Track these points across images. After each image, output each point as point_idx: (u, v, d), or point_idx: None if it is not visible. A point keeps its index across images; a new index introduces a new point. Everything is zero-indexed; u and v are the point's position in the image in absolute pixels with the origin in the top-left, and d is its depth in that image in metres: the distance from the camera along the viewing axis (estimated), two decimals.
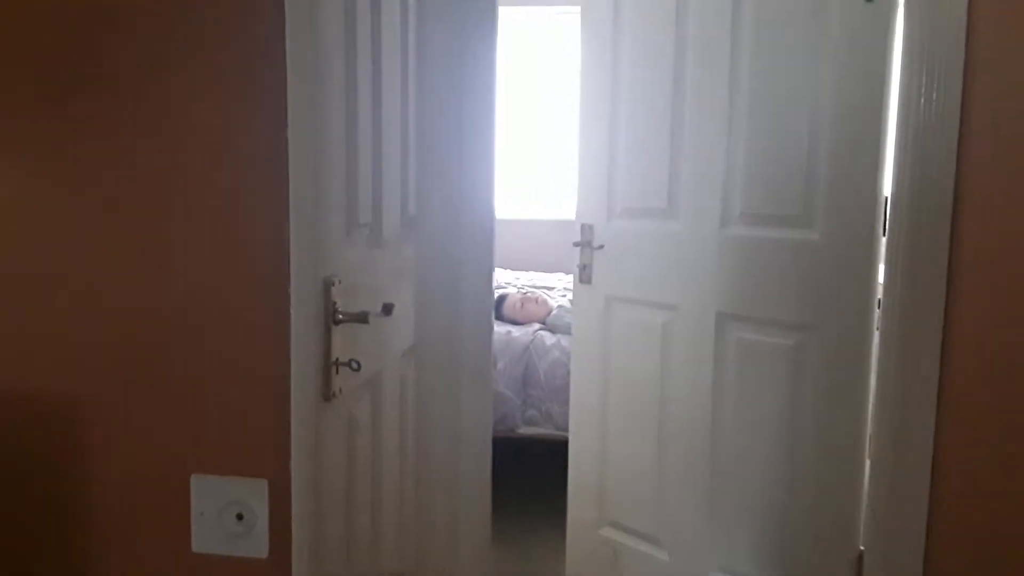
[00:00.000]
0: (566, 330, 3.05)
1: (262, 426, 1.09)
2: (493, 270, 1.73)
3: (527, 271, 4.64)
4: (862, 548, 1.86)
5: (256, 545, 1.11)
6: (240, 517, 1.10)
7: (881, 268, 1.78)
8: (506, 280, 4.18)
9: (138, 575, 1.14)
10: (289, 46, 1.03)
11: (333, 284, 1.16)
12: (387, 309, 1.35)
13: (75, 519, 1.15)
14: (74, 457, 1.13)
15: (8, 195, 1.11)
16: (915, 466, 1.62)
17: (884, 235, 1.76)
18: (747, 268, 2.09)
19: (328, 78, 1.15)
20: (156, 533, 1.13)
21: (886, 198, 1.74)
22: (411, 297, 1.62)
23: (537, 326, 3.27)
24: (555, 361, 3.00)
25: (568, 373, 2.68)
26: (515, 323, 3.31)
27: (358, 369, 1.20)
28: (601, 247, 2.41)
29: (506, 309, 3.39)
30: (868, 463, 1.83)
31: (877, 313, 1.81)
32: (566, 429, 2.65)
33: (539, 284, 4.13)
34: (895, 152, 1.65)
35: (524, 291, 3.63)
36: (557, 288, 4.00)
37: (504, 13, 2.28)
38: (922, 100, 1.57)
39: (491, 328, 1.74)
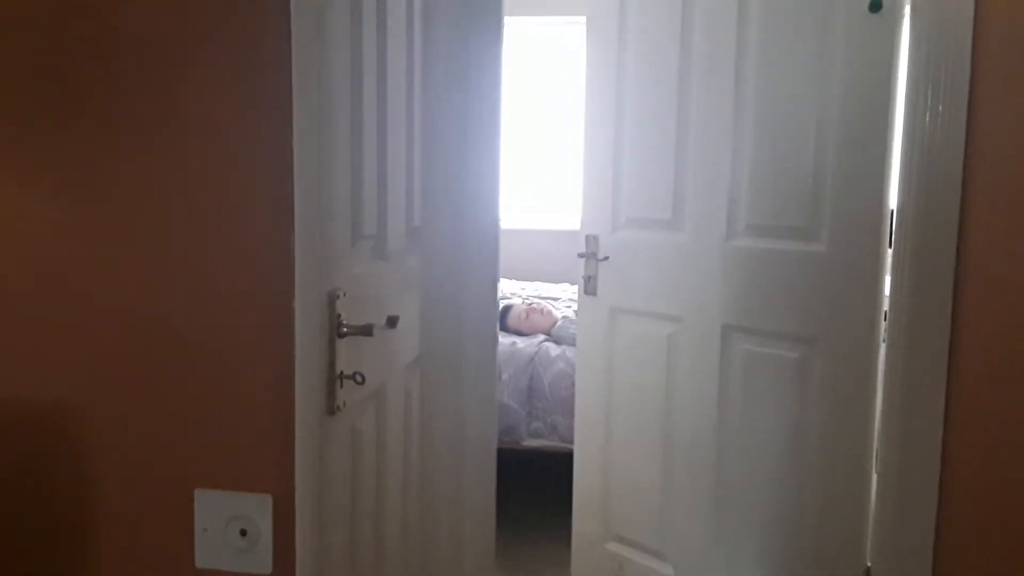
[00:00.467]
0: (571, 341, 3.04)
1: (266, 440, 1.09)
2: (498, 281, 1.72)
3: (532, 281, 4.63)
4: (869, 564, 1.84)
5: (260, 560, 1.10)
6: (244, 532, 1.09)
7: (887, 280, 1.78)
8: (511, 290, 4.17)
9: None
10: (295, 57, 1.03)
11: (338, 297, 1.16)
12: (392, 322, 1.35)
13: (78, 534, 1.14)
14: (77, 471, 1.13)
15: (8, 203, 1.11)
16: (922, 480, 1.61)
17: (890, 247, 1.75)
18: (753, 280, 2.09)
19: (333, 89, 1.15)
20: (159, 548, 1.13)
21: (892, 210, 1.73)
22: (416, 308, 1.62)
23: (542, 337, 3.26)
24: (560, 373, 2.99)
25: (573, 385, 2.67)
26: (520, 334, 3.30)
27: (362, 382, 1.19)
28: (606, 258, 2.40)
29: (511, 320, 3.38)
30: (875, 477, 1.82)
31: (883, 326, 1.80)
32: (571, 441, 2.64)
33: (544, 295, 4.12)
34: (901, 165, 1.65)
35: (529, 302, 3.62)
36: (562, 299, 3.99)
37: (510, 23, 2.28)
38: (928, 113, 1.57)
39: (496, 339, 1.73)
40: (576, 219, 2.52)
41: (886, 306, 1.77)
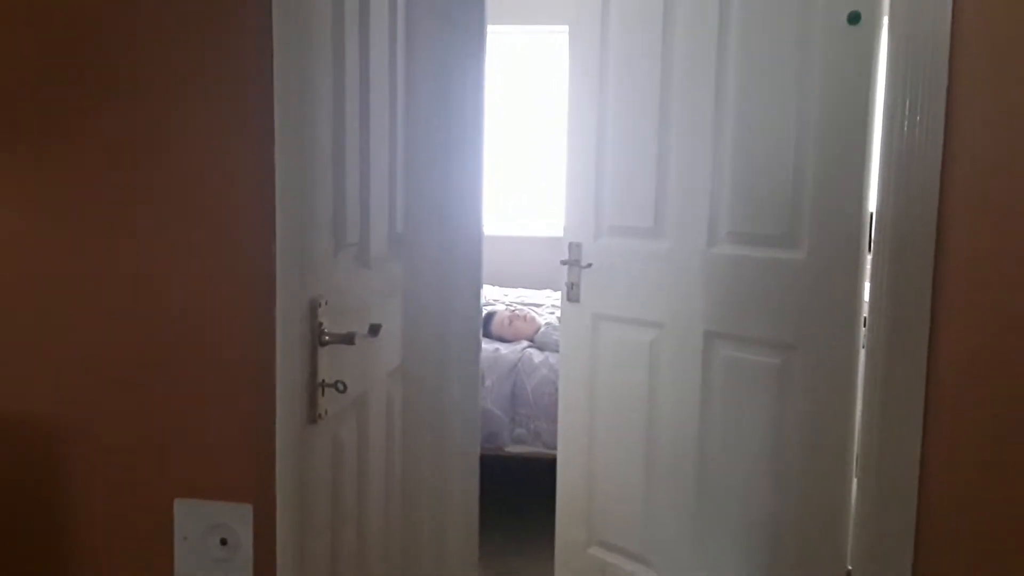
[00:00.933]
0: (554, 348, 3.05)
1: (247, 450, 1.08)
2: (481, 287, 1.72)
3: (515, 288, 4.64)
4: (850, 567, 1.85)
5: (240, 570, 1.09)
6: (224, 542, 1.09)
7: (866, 287, 1.79)
8: (494, 297, 4.17)
9: None
10: (276, 66, 1.03)
11: (320, 305, 1.15)
12: (374, 330, 1.35)
13: (56, 543, 1.13)
14: (56, 480, 1.12)
15: None
16: (902, 484, 1.63)
17: (869, 252, 1.77)
18: (734, 287, 2.10)
19: (316, 97, 1.15)
20: (139, 557, 1.12)
21: (871, 214, 1.75)
22: (398, 315, 1.62)
23: (525, 344, 3.27)
24: (543, 379, 2.99)
25: (556, 391, 2.67)
26: (503, 340, 3.31)
27: (344, 391, 1.19)
28: (589, 265, 2.41)
29: (494, 326, 3.38)
30: (855, 481, 1.83)
31: (863, 331, 1.82)
32: (554, 447, 2.64)
33: (527, 301, 4.13)
34: (880, 172, 1.67)
35: (512, 308, 3.62)
36: (545, 305, 4.00)
37: (493, 32, 2.29)
38: (905, 122, 1.59)
39: (479, 346, 1.73)
40: (559, 226, 2.53)
41: (866, 312, 1.79)
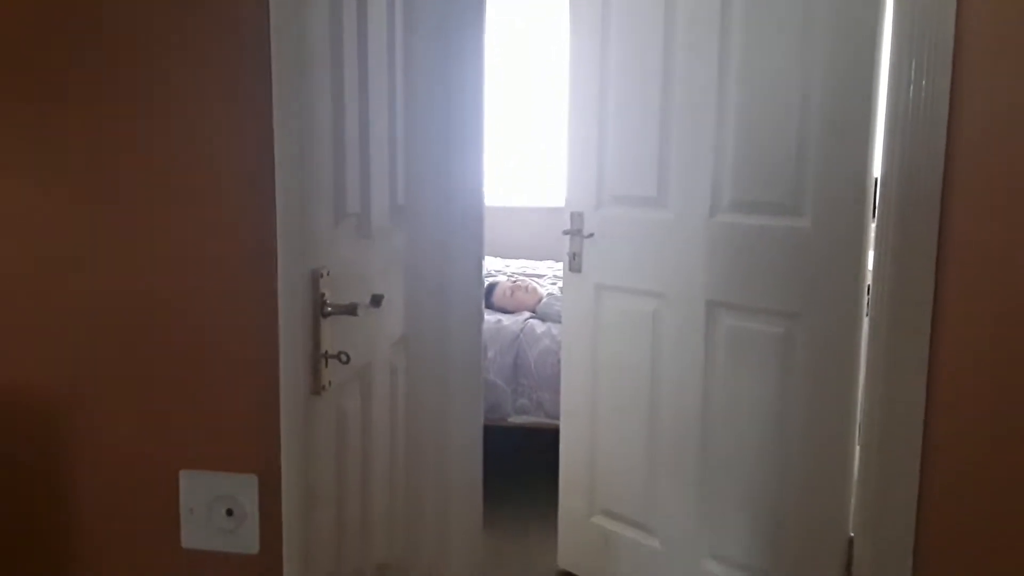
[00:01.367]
0: (556, 318, 3.05)
1: (251, 421, 1.08)
2: (483, 258, 1.72)
3: (517, 259, 4.63)
4: (852, 534, 1.87)
5: (246, 540, 1.10)
6: (230, 512, 1.09)
7: (870, 255, 1.78)
8: (496, 268, 4.17)
9: (128, 572, 1.13)
10: (274, 35, 1.01)
11: (321, 276, 1.15)
12: (376, 300, 1.34)
13: (63, 516, 1.13)
14: (60, 454, 1.12)
15: None
16: (905, 452, 1.63)
17: (873, 219, 1.75)
18: (737, 256, 2.09)
19: (315, 66, 1.14)
20: (145, 529, 1.12)
21: (876, 179, 1.74)
22: (400, 287, 1.61)
23: (527, 314, 3.26)
24: (545, 349, 3.00)
25: (558, 361, 2.67)
26: (505, 311, 3.31)
27: (347, 362, 1.18)
28: (591, 235, 2.40)
29: (496, 297, 3.38)
30: (858, 449, 1.84)
31: (867, 299, 1.81)
32: (557, 418, 2.65)
33: (529, 272, 4.12)
34: (884, 136, 1.65)
35: (514, 279, 3.62)
36: (547, 276, 3.99)
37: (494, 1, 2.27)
38: (911, 86, 1.57)
39: (481, 317, 1.73)
40: (561, 196, 2.51)
41: (869, 280, 1.78)
